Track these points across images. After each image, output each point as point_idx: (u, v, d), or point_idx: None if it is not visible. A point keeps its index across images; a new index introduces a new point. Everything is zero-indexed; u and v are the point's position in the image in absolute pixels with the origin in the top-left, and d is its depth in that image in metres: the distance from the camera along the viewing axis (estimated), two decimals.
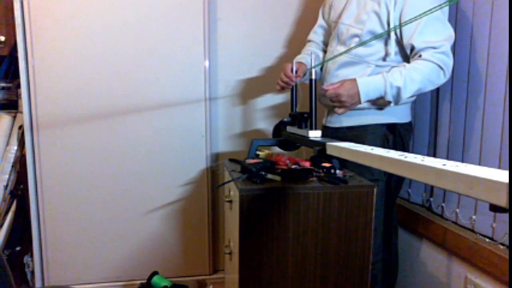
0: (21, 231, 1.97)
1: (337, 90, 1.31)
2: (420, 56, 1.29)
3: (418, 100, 1.58)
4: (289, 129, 1.43)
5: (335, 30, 1.50)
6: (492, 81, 1.25)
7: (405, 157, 0.61)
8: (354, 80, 1.32)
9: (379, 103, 1.39)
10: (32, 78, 1.78)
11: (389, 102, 1.34)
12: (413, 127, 1.51)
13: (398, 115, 1.43)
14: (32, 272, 1.92)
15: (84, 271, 1.93)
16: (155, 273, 1.86)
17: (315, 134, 1.17)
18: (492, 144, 1.25)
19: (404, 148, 1.45)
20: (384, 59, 1.39)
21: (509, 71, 1.18)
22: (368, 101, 1.35)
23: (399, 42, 1.36)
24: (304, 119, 1.30)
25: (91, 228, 1.91)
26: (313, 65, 1.25)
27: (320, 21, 1.67)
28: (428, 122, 1.58)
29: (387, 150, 0.72)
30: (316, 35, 1.68)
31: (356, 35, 1.40)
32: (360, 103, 1.33)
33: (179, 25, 1.86)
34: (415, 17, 0.75)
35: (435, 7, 0.69)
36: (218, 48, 1.96)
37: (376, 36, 1.34)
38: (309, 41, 1.72)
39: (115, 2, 1.80)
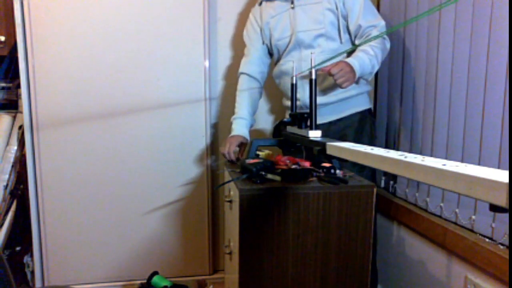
0: (21, 231, 1.97)
1: (337, 63, 1.39)
2: (369, 35, 1.51)
3: (416, 99, 1.59)
4: (289, 129, 1.43)
5: (292, 42, 1.57)
6: (492, 81, 1.25)
7: (405, 157, 0.61)
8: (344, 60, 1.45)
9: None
10: (32, 78, 1.78)
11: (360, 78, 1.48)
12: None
13: (365, 103, 1.62)
14: (32, 272, 1.92)
15: (84, 271, 1.94)
16: (155, 273, 1.86)
17: (315, 134, 1.17)
18: (492, 144, 1.25)
19: (375, 132, 1.65)
20: (341, 42, 1.55)
21: (509, 71, 1.18)
22: (358, 77, 1.46)
23: (347, 27, 1.55)
24: (304, 119, 1.30)
25: (91, 228, 1.91)
26: (313, 65, 1.25)
27: (257, 46, 1.68)
28: (427, 122, 1.58)
29: (387, 150, 0.72)
30: (254, 66, 1.69)
31: (321, 34, 1.54)
32: (354, 78, 1.42)
33: (179, 25, 1.86)
34: (404, 22, 0.75)
35: (434, 7, 0.69)
36: (218, 48, 1.96)
37: (377, 37, 1.42)
38: (244, 74, 1.70)
39: (115, 2, 1.81)
